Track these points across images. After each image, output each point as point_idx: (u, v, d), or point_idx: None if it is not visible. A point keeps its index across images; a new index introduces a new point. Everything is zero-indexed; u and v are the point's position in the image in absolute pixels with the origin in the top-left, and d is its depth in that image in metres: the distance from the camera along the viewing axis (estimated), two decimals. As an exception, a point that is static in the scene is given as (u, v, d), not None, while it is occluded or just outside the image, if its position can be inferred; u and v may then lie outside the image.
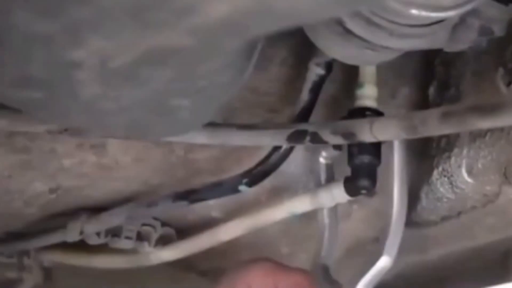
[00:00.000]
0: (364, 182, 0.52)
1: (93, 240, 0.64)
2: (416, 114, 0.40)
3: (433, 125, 0.38)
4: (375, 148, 0.52)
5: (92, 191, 0.60)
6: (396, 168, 0.52)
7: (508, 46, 0.49)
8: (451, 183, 0.56)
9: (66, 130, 0.46)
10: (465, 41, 0.46)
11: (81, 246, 0.66)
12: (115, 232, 0.65)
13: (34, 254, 0.71)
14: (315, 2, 0.23)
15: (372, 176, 0.52)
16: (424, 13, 0.39)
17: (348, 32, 0.43)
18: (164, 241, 0.67)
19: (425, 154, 0.58)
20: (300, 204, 0.57)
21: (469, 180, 0.55)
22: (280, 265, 0.52)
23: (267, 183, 0.56)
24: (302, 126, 0.49)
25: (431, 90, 0.58)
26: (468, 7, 0.40)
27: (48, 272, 0.74)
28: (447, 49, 0.46)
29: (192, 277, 0.75)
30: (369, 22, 0.41)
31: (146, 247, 0.66)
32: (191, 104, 0.34)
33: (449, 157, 0.56)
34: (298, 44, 0.54)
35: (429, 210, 0.60)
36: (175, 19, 0.23)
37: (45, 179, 0.57)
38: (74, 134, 0.49)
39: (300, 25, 0.41)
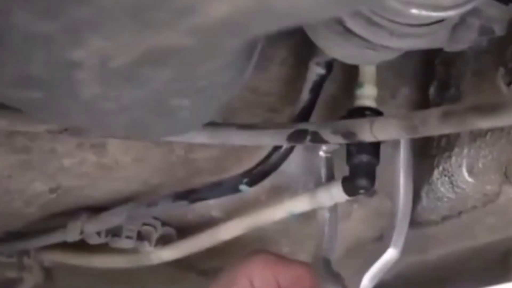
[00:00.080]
0: (363, 182, 0.52)
1: (94, 240, 0.64)
2: (416, 114, 0.40)
3: (433, 124, 0.38)
4: (374, 148, 0.52)
5: (92, 191, 0.60)
6: (402, 164, 0.52)
7: (509, 46, 0.49)
8: (451, 183, 0.56)
9: (66, 130, 0.46)
10: (465, 41, 0.46)
11: (81, 246, 0.66)
12: (115, 232, 0.65)
13: (34, 254, 0.72)
14: (315, 2, 0.23)
15: (370, 175, 0.52)
16: (424, 13, 0.39)
17: (348, 31, 0.43)
18: (164, 241, 0.67)
19: (425, 154, 0.58)
20: (299, 204, 0.57)
21: (470, 179, 0.55)
22: (280, 258, 0.52)
23: (267, 182, 0.56)
24: (303, 126, 0.49)
25: (431, 90, 0.58)
26: (468, 6, 0.40)
27: (48, 272, 0.74)
28: (447, 49, 0.46)
29: (192, 277, 0.75)
30: (369, 21, 0.41)
31: (147, 247, 0.66)
32: (191, 104, 0.33)
33: (449, 157, 0.56)
34: (298, 44, 0.54)
35: (430, 209, 0.60)
36: (175, 19, 0.23)
37: (45, 179, 0.57)
38: (74, 134, 0.49)
39: (300, 25, 0.41)
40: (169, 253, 0.66)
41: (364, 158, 0.52)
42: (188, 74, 0.30)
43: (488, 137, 0.53)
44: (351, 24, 0.42)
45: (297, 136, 0.48)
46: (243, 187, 0.55)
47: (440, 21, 0.42)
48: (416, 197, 0.60)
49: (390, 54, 0.46)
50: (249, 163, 0.56)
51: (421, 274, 0.74)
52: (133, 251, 0.67)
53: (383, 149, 0.53)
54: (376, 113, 0.52)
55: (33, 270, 0.72)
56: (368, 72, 0.53)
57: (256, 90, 0.55)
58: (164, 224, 0.67)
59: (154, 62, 0.27)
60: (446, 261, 0.70)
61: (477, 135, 0.53)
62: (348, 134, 0.45)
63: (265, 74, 0.55)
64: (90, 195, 0.61)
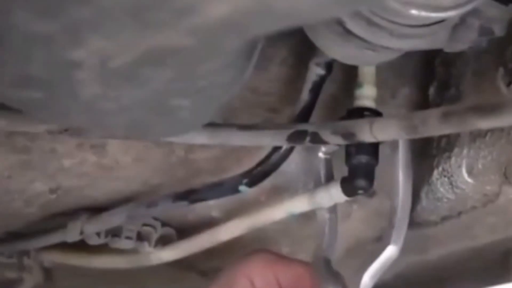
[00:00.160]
0: (361, 183, 0.52)
1: (93, 240, 0.64)
2: (416, 114, 0.40)
3: (433, 125, 0.38)
4: (373, 148, 0.52)
5: (92, 191, 0.60)
6: (401, 162, 0.52)
7: (509, 46, 0.49)
8: (451, 183, 0.56)
9: (66, 130, 0.46)
10: (465, 41, 0.46)
11: (81, 246, 0.66)
12: (115, 232, 0.65)
13: (34, 254, 0.71)
14: (315, 2, 0.23)
15: (369, 176, 0.52)
16: (424, 13, 0.39)
17: (348, 32, 0.43)
18: (164, 241, 0.67)
19: (425, 154, 0.58)
20: (298, 204, 0.57)
21: (469, 180, 0.55)
22: (280, 257, 0.52)
23: (267, 183, 0.56)
24: (302, 126, 0.49)
25: (431, 90, 0.58)
26: (468, 7, 0.40)
27: (48, 272, 0.74)
28: (447, 49, 0.46)
29: (192, 277, 0.75)
30: (369, 22, 0.41)
31: (146, 247, 0.66)
32: (191, 104, 0.33)
33: (449, 157, 0.56)
34: (298, 44, 0.54)
35: (430, 210, 0.60)
36: (175, 19, 0.23)
37: (45, 179, 0.57)
38: (74, 134, 0.49)
39: (300, 25, 0.41)
40: (169, 254, 0.66)
41: (363, 158, 0.52)
42: (188, 74, 0.30)
43: (487, 137, 0.53)
44: (351, 24, 0.42)
45: (297, 137, 0.48)
46: (243, 187, 0.55)
47: (440, 21, 0.42)
48: (416, 198, 0.60)
49: (390, 55, 0.46)
50: (249, 163, 0.56)
51: (421, 275, 0.74)
52: (133, 251, 0.67)
53: (382, 149, 0.53)
54: (375, 113, 0.52)
55: (33, 271, 0.72)
56: (367, 73, 0.53)
57: (256, 90, 0.55)
58: (164, 224, 0.67)
59: (154, 62, 0.27)
60: (446, 261, 0.70)
61: (476, 136, 0.53)
62: (348, 135, 0.45)
63: (265, 74, 0.55)
64: (90, 196, 0.61)
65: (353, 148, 0.52)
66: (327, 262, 0.53)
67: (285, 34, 0.39)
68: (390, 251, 0.52)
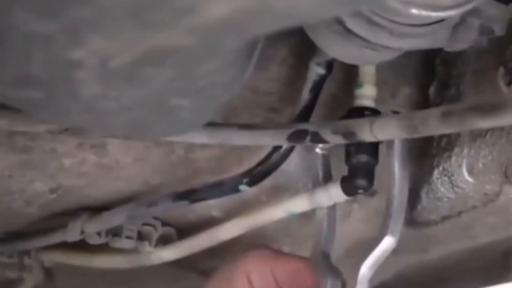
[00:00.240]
0: (361, 182, 0.52)
1: (94, 240, 0.64)
2: (416, 114, 0.40)
3: (433, 124, 0.38)
4: (373, 148, 0.52)
5: (93, 191, 0.60)
6: (396, 155, 0.52)
7: (509, 46, 0.49)
8: (451, 183, 0.56)
9: (66, 130, 0.46)
10: (466, 41, 0.46)
11: (81, 246, 0.66)
12: (115, 232, 0.65)
13: (34, 254, 0.72)
14: (315, 2, 0.23)
15: (369, 175, 0.52)
16: (424, 13, 0.39)
17: (348, 31, 0.43)
18: (164, 241, 0.67)
19: (425, 154, 0.58)
20: (298, 204, 0.56)
21: (470, 179, 0.55)
22: (278, 253, 0.52)
23: (267, 182, 0.56)
24: (303, 126, 0.49)
25: (432, 90, 0.58)
26: (468, 6, 0.40)
27: (48, 272, 0.74)
28: (447, 49, 0.46)
29: (192, 277, 0.75)
30: (369, 21, 0.41)
31: (147, 247, 0.66)
32: (191, 104, 0.34)
33: (449, 157, 0.56)
34: (299, 44, 0.54)
35: (430, 209, 0.60)
36: (175, 19, 0.23)
37: (45, 179, 0.57)
38: (75, 134, 0.49)
39: (300, 24, 0.41)
40: (169, 253, 0.66)
41: (363, 158, 0.52)
42: (188, 74, 0.30)
43: (488, 137, 0.53)
44: (351, 24, 0.42)
45: (297, 136, 0.48)
46: (243, 187, 0.55)
47: (440, 21, 0.42)
48: (416, 197, 0.60)
49: (390, 54, 0.46)
50: (249, 163, 0.56)
51: (421, 274, 0.74)
52: (134, 251, 0.67)
53: (380, 149, 0.53)
54: (375, 113, 0.52)
55: (34, 270, 0.72)
56: (367, 72, 0.53)
57: (256, 89, 0.55)
58: (164, 224, 0.67)
59: (154, 62, 0.27)
60: (446, 261, 0.70)
61: (477, 135, 0.53)
62: (348, 134, 0.45)
63: (265, 73, 0.55)
64: (91, 195, 0.61)
65: (353, 148, 0.52)
66: (325, 257, 0.53)
67: (285, 33, 0.39)
68: (387, 242, 0.51)
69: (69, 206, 0.62)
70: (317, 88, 0.53)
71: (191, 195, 0.57)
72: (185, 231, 0.66)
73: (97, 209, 0.62)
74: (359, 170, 0.52)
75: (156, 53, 0.26)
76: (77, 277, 0.75)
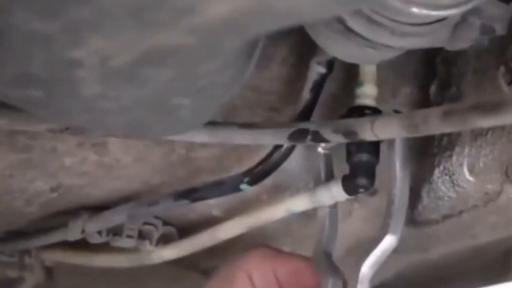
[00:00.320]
0: (362, 181, 0.52)
1: (95, 239, 0.64)
2: (417, 113, 0.40)
3: (434, 123, 0.38)
4: (374, 147, 0.52)
5: (93, 190, 0.60)
6: (397, 154, 0.52)
7: (510, 45, 0.49)
8: (452, 182, 0.56)
9: (67, 129, 0.46)
10: (467, 40, 0.45)
11: (82, 245, 0.66)
12: (116, 231, 0.65)
13: (35, 253, 0.72)
14: (315, 1, 0.23)
15: (370, 174, 0.52)
16: (425, 12, 0.39)
17: (349, 30, 0.42)
18: (165, 240, 0.67)
19: (426, 153, 0.58)
20: (299, 203, 0.56)
21: (471, 178, 0.55)
22: (279, 252, 0.52)
23: (268, 181, 0.56)
24: (304, 125, 0.49)
25: (432, 89, 0.58)
26: (469, 5, 0.40)
27: (49, 271, 0.74)
28: (448, 48, 0.46)
29: (193, 276, 0.75)
30: (370, 20, 0.41)
31: (148, 246, 0.66)
32: (192, 103, 0.33)
33: (450, 156, 0.56)
34: (299, 43, 0.54)
35: (430, 209, 0.60)
36: (175, 19, 0.23)
37: (46, 178, 0.57)
38: (75, 133, 0.49)
39: (301, 24, 0.41)
40: (170, 252, 0.66)
41: (364, 157, 0.52)
42: (188, 74, 0.30)
43: (489, 136, 0.53)
44: (352, 23, 0.42)
45: (298, 135, 0.48)
46: (244, 186, 0.55)
47: (441, 20, 0.42)
48: (417, 196, 0.60)
49: (391, 53, 0.46)
50: (250, 162, 0.56)
51: (422, 274, 0.74)
52: (134, 250, 0.67)
53: (381, 148, 0.53)
54: (375, 112, 0.52)
55: (34, 269, 0.72)
56: (368, 71, 0.53)
57: (257, 89, 0.55)
58: (165, 223, 0.67)
59: (154, 62, 0.27)
60: (446, 260, 0.70)
61: (478, 134, 0.53)
62: (349, 133, 0.45)
63: (265, 73, 0.55)
64: (91, 194, 0.61)
65: (354, 147, 0.52)
66: (327, 256, 0.52)
67: (285, 33, 0.39)
68: (388, 241, 0.51)
69: (70, 205, 0.62)
70: (317, 87, 0.53)
71: (191, 194, 0.57)
72: (186, 230, 0.66)
73: (97, 208, 0.62)
74: (360, 169, 0.52)
75: (156, 53, 0.26)
76: (77, 276, 0.75)
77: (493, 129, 0.52)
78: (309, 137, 0.48)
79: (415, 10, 0.39)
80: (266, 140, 0.51)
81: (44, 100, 0.30)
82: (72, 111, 0.33)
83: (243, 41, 0.29)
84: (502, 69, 0.49)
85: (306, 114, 0.53)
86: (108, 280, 0.75)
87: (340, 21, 0.42)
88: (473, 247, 0.66)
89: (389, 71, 0.57)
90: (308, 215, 0.61)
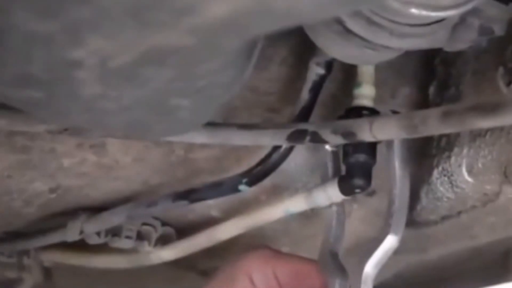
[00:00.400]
0: (359, 181, 0.52)
1: (93, 240, 0.64)
2: (416, 114, 0.40)
3: (433, 124, 0.38)
4: (371, 147, 0.52)
5: (92, 191, 0.60)
6: (396, 154, 0.52)
7: (508, 46, 0.49)
8: (451, 183, 0.56)
9: (66, 129, 0.46)
10: (465, 41, 0.46)
11: (81, 246, 0.66)
12: (115, 232, 0.65)
13: (34, 254, 0.72)
14: (314, 2, 0.23)
15: (366, 175, 0.52)
16: (424, 13, 0.39)
17: (348, 31, 0.43)
18: (164, 241, 0.67)
19: (425, 154, 0.58)
20: (295, 203, 0.56)
21: (469, 179, 0.55)
22: (279, 253, 0.52)
23: (267, 182, 0.56)
24: (302, 126, 0.49)
25: (431, 90, 0.58)
26: (468, 6, 0.40)
27: (48, 272, 0.74)
28: (447, 49, 0.46)
29: (192, 277, 0.75)
30: (369, 21, 0.41)
31: (146, 247, 0.66)
32: (191, 104, 0.33)
33: (449, 157, 0.56)
34: (298, 44, 0.54)
35: (429, 209, 0.60)
36: (175, 19, 0.23)
37: (45, 179, 0.57)
38: (74, 133, 0.49)
39: (300, 24, 0.41)
40: (168, 253, 0.66)
41: (361, 157, 0.51)
42: (188, 74, 0.30)
43: (487, 137, 0.53)
44: (351, 24, 0.42)
45: (297, 136, 0.48)
46: (242, 187, 0.55)
47: (440, 21, 0.42)
48: (415, 197, 0.60)
49: (390, 54, 0.46)
50: (248, 163, 0.56)
51: (421, 274, 0.74)
52: (133, 251, 0.67)
53: (379, 149, 0.53)
54: (373, 112, 0.52)
55: (33, 270, 0.72)
56: (366, 72, 0.53)
57: (256, 89, 0.55)
58: (163, 224, 0.67)
59: (154, 62, 0.27)
60: (445, 261, 0.70)
61: (476, 135, 0.53)
62: (347, 134, 0.45)
63: (265, 73, 0.55)
64: (90, 195, 0.61)
65: (351, 147, 0.52)
66: (334, 256, 0.52)
67: (285, 33, 0.39)
68: (390, 241, 0.51)
69: (69, 206, 0.62)
70: (316, 88, 0.53)
71: (190, 195, 0.57)
72: (184, 231, 0.66)
73: (96, 209, 0.62)
74: (356, 169, 0.52)
75: (156, 53, 0.26)
76: (76, 277, 0.75)
77: (492, 130, 0.52)
78: (308, 137, 0.48)
79: (414, 11, 0.39)
80: (265, 141, 0.51)
81: (43, 101, 0.30)
82: (72, 111, 0.33)
83: (243, 41, 0.29)
84: (501, 70, 0.49)
85: (305, 114, 0.53)
86: (106, 281, 0.75)
87: (339, 22, 0.42)
88: (472, 248, 0.66)
89: (388, 72, 0.57)
90: (306, 216, 0.61)
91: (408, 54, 0.47)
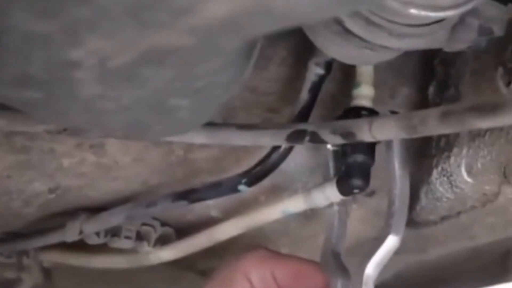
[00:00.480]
0: (357, 182, 0.52)
1: (93, 240, 0.64)
2: (415, 114, 0.40)
3: (432, 124, 0.38)
4: (369, 148, 0.52)
5: (92, 191, 0.60)
6: (395, 154, 0.52)
7: (508, 46, 0.49)
8: (450, 183, 0.56)
9: (65, 130, 0.46)
10: (465, 41, 0.46)
11: (80, 246, 0.66)
12: (114, 232, 0.65)
13: (33, 254, 0.72)
14: (314, 2, 0.23)
15: (365, 175, 0.52)
16: (423, 13, 0.39)
17: (347, 31, 0.43)
18: (163, 241, 0.67)
19: (424, 154, 0.58)
20: (294, 203, 0.56)
21: (469, 179, 0.55)
22: (277, 253, 0.52)
23: (266, 182, 0.56)
24: (302, 126, 0.49)
25: (431, 90, 0.58)
26: (467, 6, 0.40)
27: (47, 272, 0.74)
28: (446, 49, 0.46)
29: (191, 277, 0.75)
30: (368, 21, 0.41)
31: (146, 247, 0.66)
32: (191, 104, 0.33)
33: (448, 157, 0.56)
34: (298, 44, 0.54)
35: (429, 210, 0.60)
36: (174, 19, 0.23)
37: (44, 179, 0.57)
38: (73, 134, 0.49)
39: (299, 25, 0.41)
40: (168, 253, 0.66)
41: (359, 158, 0.51)
42: (187, 74, 0.30)
43: (487, 137, 0.53)
44: (350, 24, 0.42)
45: (296, 136, 0.48)
46: (242, 187, 0.55)
47: (439, 21, 0.42)
48: (415, 197, 0.60)
49: (389, 54, 0.46)
50: (248, 163, 0.56)
51: (420, 274, 0.74)
52: (132, 251, 0.67)
53: (379, 149, 0.53)
54: (372, 113, 0.52)
55: (32, 271, 0.72)
56: (365, 72, 0.53)
57: (255, 90, 0.55)
58: (163, 224, 0.67)
59: (153, 62, 0.27)
60: (445, 261, 0.70)
61: (476, 135, 0.53)
62: (347, 134, 0.45)
63: (264, 74, 0.55)
64: (89, 195, 0.61)
65: (349, 147, 0.52)
66: (336, 256, 0.52)
67: (284, 33, 0.39)
68: (391, 241, 0.51)
69: (68, 206, 0.62)
70: (316, 88, 0.53)
71: (190, 195, 0.57)
72: (184, 231, 0.66)
73: (96, 209, 0.62)
74: (354, 169, 0.52)
75: (155, 53, 0.26)
76: (75, 277, 0.75)
77: (491, 130, 0.52)
78: (307, 138, 0.48)
79: (413, 11, 0.39)
80: (264, 141, 0.51)
81: (43, 101, 0.30)
82: (71, 112, 0.33)
83: (242, 41, 0.29)
84: (500, 70, 0.49)
85: (304, 114, 0.53)
86: (106, 281, 0.75)
87: (339, 22, 0.42)
88: (471, 248, 0.66)
89: (388, 72, 0.57)
90: (306, 216, 0.61)
91: (407, 54, 0.47)
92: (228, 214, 0.63)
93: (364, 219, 0.66)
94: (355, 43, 0.43)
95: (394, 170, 0.51)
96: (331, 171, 0.55)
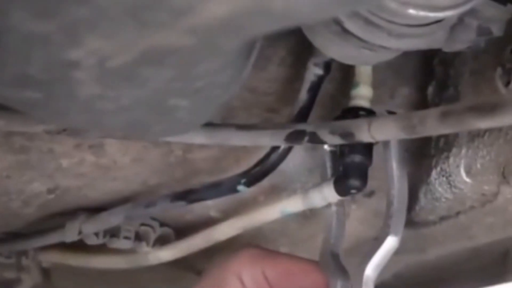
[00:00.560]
0: (354, 182, 0.52)
1: (92, 240, 0.64)
2: (414, 114, 0.40)
3: (431, 125, 0.38)
4: (367, 148, 0.52)
5: (91, 191, 0.60)
6: (393, 154, 0.52)
7: (507, 46, 0.49)
8: (449, 183, 0.56)
9: (64, 130, 0.46)
10: (464, 41, 0.46)
11: (79, 246, 0.66)
12: (113, 232, 0.65)
13: (32, 254, 0.72)
14: (313, 2, 0.23)
15: (362, 175, 0.52)
16: (422, 13, 0.39)
17: (346, 31, 0.43)
18: (162, 241, 0.67)
19: (423, 154, 0.58)
20: (292, 204, 0.56)
21: (468, 180, 0.55)
22: (268, 252, 0.52)
23: (265, 182, 0.56)
24: (301, 126, 0.49)
25: (430, 90, 0.58)
26: (466, 7, 0.40)
27: (46, 273, 0.74)
28: (445, 49, 0.46)
29: (190, 277, 0.75)
30: (367, 22, 0.41)
31: (145, 247, 0.66)
32: (190, 104, 0.33)
33: (447, 157, 0.56)
34: (297, 44, 0.54)
35: (428, 210, 0.61)
36: (173, 19, 0.23)
37: (43, 179, 0.57)
38: (72, 134, 0.49)
39: (299, 25, 0.41)
40: (167, 254, 0.66)
41: (356, 158, 0.51)
42: (187, 74, 0.30)
43: (486, 137, 0.53)
44: (349, 24, 0.42)
45: (295, 137, 0.48)
46: (241, 187, 0.55)
47: (438, 21, 0.42)
48: (414, 198, 0.60)
49: (388, 55, 0.46)
50: (247, 163, 0.56)
51: (420, 275, 0.74)
52: (131, 251, 0.67)
53: (377, 149, 0.53)
54: (370, 113, 0.52)
55: (32, 271, 0.72)
56: (364, 73, 0.53)
57: (255, 90, 0.55)
58: (162, 224, 0.67)
59: (152, 62, 0.27)
60: (444, 261, 0.70)
61: (475, 136, 0.53)
62: (346, 135, 0.45)
63: (263, 74, 0.55)
64: (88, 196, 0.61)
65: (346, 148, 0.52)
66: (335, 256, 0.52)
67: (283, 34, 0.39)
68: (390, 242, 0.51)
69: (67, 206, 0.62)
70: (315, 89, 0.53)
71: (189, 195, 0.57)
72: (183, 231, 0.66)
73: (95, 210, 0.62)
74: (352, 170, 0.52)
75: (154, 53, 0.26)
76: (75, 277, 0.75)
77: (490, 130, 0.52)
78: (306, 138, 0.48)
79: (412, 11, 0.39)
80: (264, 141, 0.51)
81: (42, 101, 0.30)
82: (70, 112, 0.33)
83: (242, 41, 0.29)
84: (499, 70, 0.49)
85: (303, 115, 0.53)
86: (105, 281, 0.75)
87: (337, 22, 0.42)
88: (470, 248, 0.66)
89: (387, 72, 0.57)
90: (305, 216, 0.61)
91: (406, 54, 0.47)
92: (227, 214, 0.63)
93: (364, 219, 0.66)
94: (354, 43, 0.43)
95: (392, 171, 0.51)
96: (329, 171, 0.55)
